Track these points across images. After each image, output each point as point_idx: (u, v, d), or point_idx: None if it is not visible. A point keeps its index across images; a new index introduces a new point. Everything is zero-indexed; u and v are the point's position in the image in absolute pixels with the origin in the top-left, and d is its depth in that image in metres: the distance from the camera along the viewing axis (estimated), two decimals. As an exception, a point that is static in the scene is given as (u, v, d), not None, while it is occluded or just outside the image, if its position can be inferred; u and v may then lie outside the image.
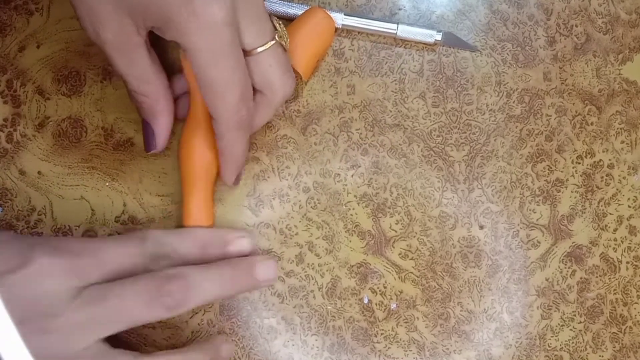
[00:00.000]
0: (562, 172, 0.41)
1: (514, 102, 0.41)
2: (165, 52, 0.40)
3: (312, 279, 0.40)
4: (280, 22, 0.36)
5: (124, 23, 0.33)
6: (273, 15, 0.36)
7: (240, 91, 0.34)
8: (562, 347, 0.40)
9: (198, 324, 0.40)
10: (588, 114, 0.42)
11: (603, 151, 0.41)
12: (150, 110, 0.37)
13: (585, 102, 0.42)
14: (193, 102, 0.38)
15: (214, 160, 0.38)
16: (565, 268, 0.41)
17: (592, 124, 0.42)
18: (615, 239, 0.41)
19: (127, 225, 0.40)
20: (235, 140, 0.36)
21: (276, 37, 0.35)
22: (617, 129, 0.42)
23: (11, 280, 0.32)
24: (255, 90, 0.36)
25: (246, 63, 0.35)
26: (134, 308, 0.33)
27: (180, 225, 0.40)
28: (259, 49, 0.35)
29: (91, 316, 0.33)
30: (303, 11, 0.40)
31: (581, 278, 0.41)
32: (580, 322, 0.41)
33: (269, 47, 0.35)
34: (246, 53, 0.35)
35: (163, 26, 0.33)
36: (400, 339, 0.40)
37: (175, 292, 0.34)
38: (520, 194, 0.41)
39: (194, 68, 0.33)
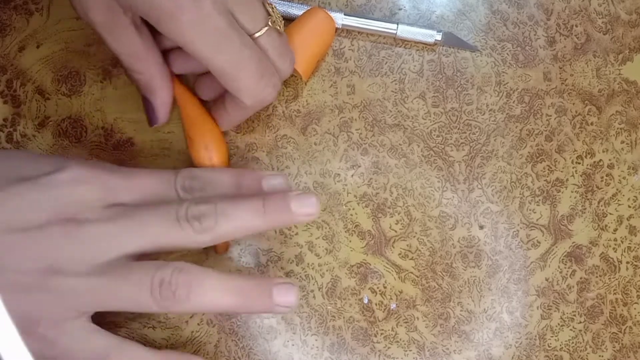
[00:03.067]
0: (562, 172, 0.41)
1: (514, 102, 0.41)
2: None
3: (312, 278, 0.40)
4: (274, 6, 0.36)
5: (111, 5, 0.33)
6: (266, 1, 0.36)
7: (255, 68, 0.34)
8: (562, 347, 0.40)
9: (198, 324, 0.40)
10: (588, 114, 0.42)
11: (603, 151, 0.41)
12: (147, 86, 0.37)
13: (585, 102, 0.42)
14: (185, 116, 0.38)
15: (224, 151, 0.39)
16: (565, 268, 0.41)
17: (592, 124, 0.42)
18: (615, 239, 0.41)
19: (127, 225, 0.40)
20: (253, 111, 0.38)
21: (269, 22, 0.35)
22: (617, 129, 0.42)
23: (45, 181, 0.32)
24: None
25: None
26: (164, 230, 0.33)
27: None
28: (255, 35, 0.35)
29: (121, 229, 0.32)
30: (303, 11, 0.40)
31: (581, 278, 0.41)
32: (580, 322, 0.41)
33: (264, 32, 0.35)
34: None
35: (152, 22, 0.33)
36: (400, 339, 0.40)
37: (207, 219, 0.33)
38: (520, 194, 0.41)
39: (200, 61, 0.33)
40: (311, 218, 0.35)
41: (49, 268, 0.31)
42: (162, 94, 0.38)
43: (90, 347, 0.33)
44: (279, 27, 0.36)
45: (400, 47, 0.41)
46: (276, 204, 0.34)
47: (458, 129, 0.41)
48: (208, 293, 0.33)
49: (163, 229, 0.33)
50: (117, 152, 0.40)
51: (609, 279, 0.41)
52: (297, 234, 0.40)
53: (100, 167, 0.34)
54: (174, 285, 0.32)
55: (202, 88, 0.39)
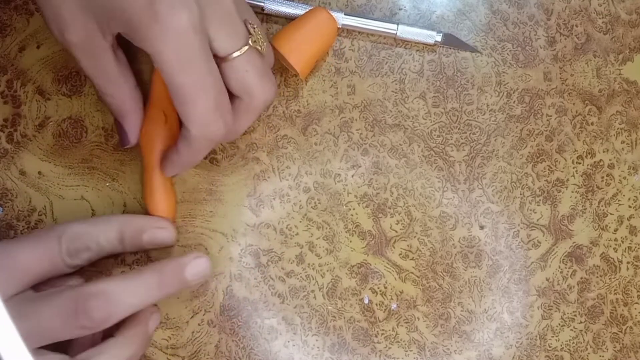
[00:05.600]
0: (562, 172, 0.41)
1: (514, 102, 0.41)
2: (134, 54, 0.38)
3: (313, 279, 0.40)
4: (256, 27, 0.35)
5: (89, 27, 0.33)
6: (248, 21, 0.35)
7: (213, 98, 0.33)
8: (563, 347, 0.40)
9: (198, 324, 0.40)
10: (588, 114, 0.42)
11: (603, 151, 0.41)
12: (118, 110, 0.37)
13: (586, 102, 0.42)
14: (154, 91, 0.38)
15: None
16: (566, 268, 0.41)
17: (592, 124, 0.42)
18: (615, 239, 0.41)
19: (128, 226, 0.40)
20: (201, 150, 0.35)
21: (250, 41, 0.34)
22: (618, 129, 0.42)
23: None
24: (234, 97, 0.35)
25: (222, 70, 0.34)
26: (51, 328, 0.33)
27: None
28: (234, 54, 0.34)
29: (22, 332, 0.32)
30: (304, 11, 0.40)
31: (582, 278, 0.41)
32: (581, 322, 0.41)
33: (244, 52, 0.34)
34: (221, 59, 0.34)
35: (128, 32, 0.32)
36: (401, 339, 0.40)
37: (94, 311, 0.33)
38: (520, 194, 0.41)
39: (162, 75, 0.32)
40: (205, 279, 0.38)
41: None
42: (132, 118, 0.38)
43: None
44: (260, 48, 0.35)
45: (400, 47, 0.41)
46: (171, 277, 0.36)
47: (458, 129, 0.41)
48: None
49: (53, 331, 0.33)
50: (117, 152, 0.40)
51: (610, 279, 0.41)
52: (297, 234, 0.40)
53: None
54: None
55: (168, 164, 0.38)
